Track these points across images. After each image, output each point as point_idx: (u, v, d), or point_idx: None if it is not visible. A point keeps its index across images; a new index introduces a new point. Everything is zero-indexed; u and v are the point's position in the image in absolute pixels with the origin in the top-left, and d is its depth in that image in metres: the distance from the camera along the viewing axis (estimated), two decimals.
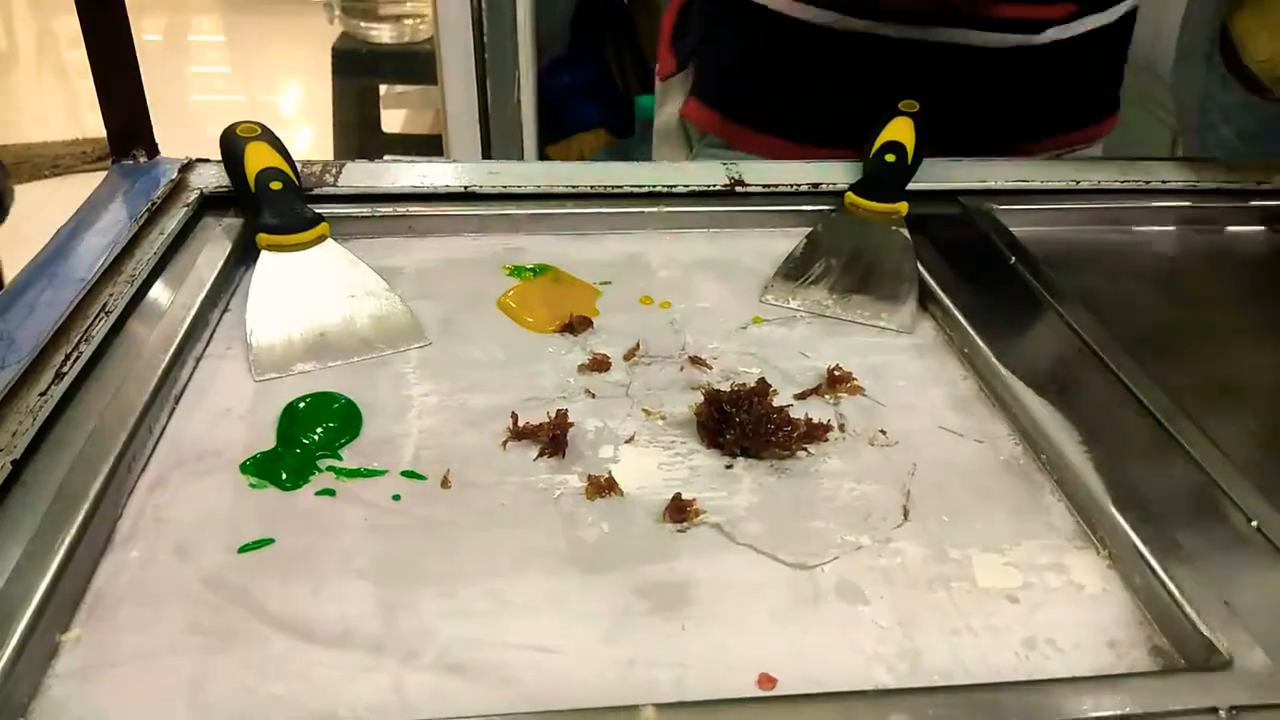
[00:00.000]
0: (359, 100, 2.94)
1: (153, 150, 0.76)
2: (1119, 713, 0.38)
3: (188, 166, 0.74)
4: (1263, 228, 0.81)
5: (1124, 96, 0.96)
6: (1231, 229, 0.81)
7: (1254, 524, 0.47)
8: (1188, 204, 0.81)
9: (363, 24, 2.81)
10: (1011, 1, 0.80)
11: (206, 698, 0.39)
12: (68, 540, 0.43)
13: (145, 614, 0.42)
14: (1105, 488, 0.49)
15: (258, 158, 0.68)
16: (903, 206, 0.72)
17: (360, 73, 2.83)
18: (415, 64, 2.77)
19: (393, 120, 3.48)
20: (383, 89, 2.99)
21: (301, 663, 0.40)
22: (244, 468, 0.50)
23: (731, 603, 0.44)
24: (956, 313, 0.64)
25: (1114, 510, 0.48)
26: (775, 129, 0.90)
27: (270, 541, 0.46)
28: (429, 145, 3.13)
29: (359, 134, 2.96)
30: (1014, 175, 0.80)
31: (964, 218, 0.76)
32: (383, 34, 2.81)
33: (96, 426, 0.50)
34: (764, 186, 0.77)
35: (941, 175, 0.79)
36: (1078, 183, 0.81)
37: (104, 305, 0.58)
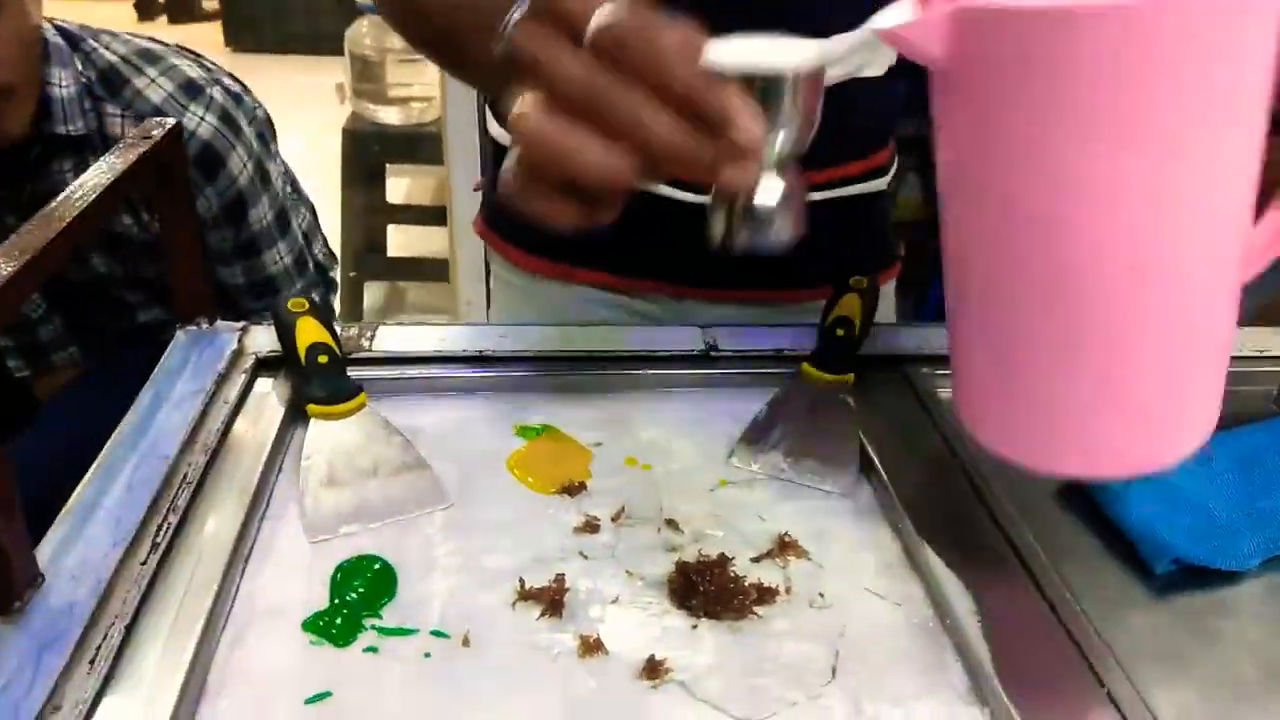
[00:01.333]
0: (367, 175, 3.09)
1: (213, 316, 0.89)
2: None
3: (244, 331, 0.87)
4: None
5: None
6: None
7: (1105, 690, 0.59)
8: None
9: (371, 105, 2.97)
10: None
11: None
12: (175, 695, 0.55)
13: None
14: (991, 651, 0.62)
15: (307, 333, 0.81)
16: (849, 377, 0.85)
17: (369, 151, 2.99)
18: (421, 145, 2.93)
19: (397, 188, 3.62)
20: (389, 167, 3.14)
21: None
22: (305, 625, 0.63)
23: None
24: (890, 478, 0.77)
25: (993, 673, 0.60)
26: (533, 249, 1.03)
27: (329, 694, 0.58)
28: (431, 215, 3.28)
29: (366, 205, 3.11)
30: (942, 341, 0.93)
31: (903, 383, 0.89)
32: (390, 116, 2.97)
33: (186, 590, 0.62)
34: (735, 351, 0.91)
35: (886, 344, 0.93)
36: None
37: (185, 476, 0.71)
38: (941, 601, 0.66)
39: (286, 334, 0.82)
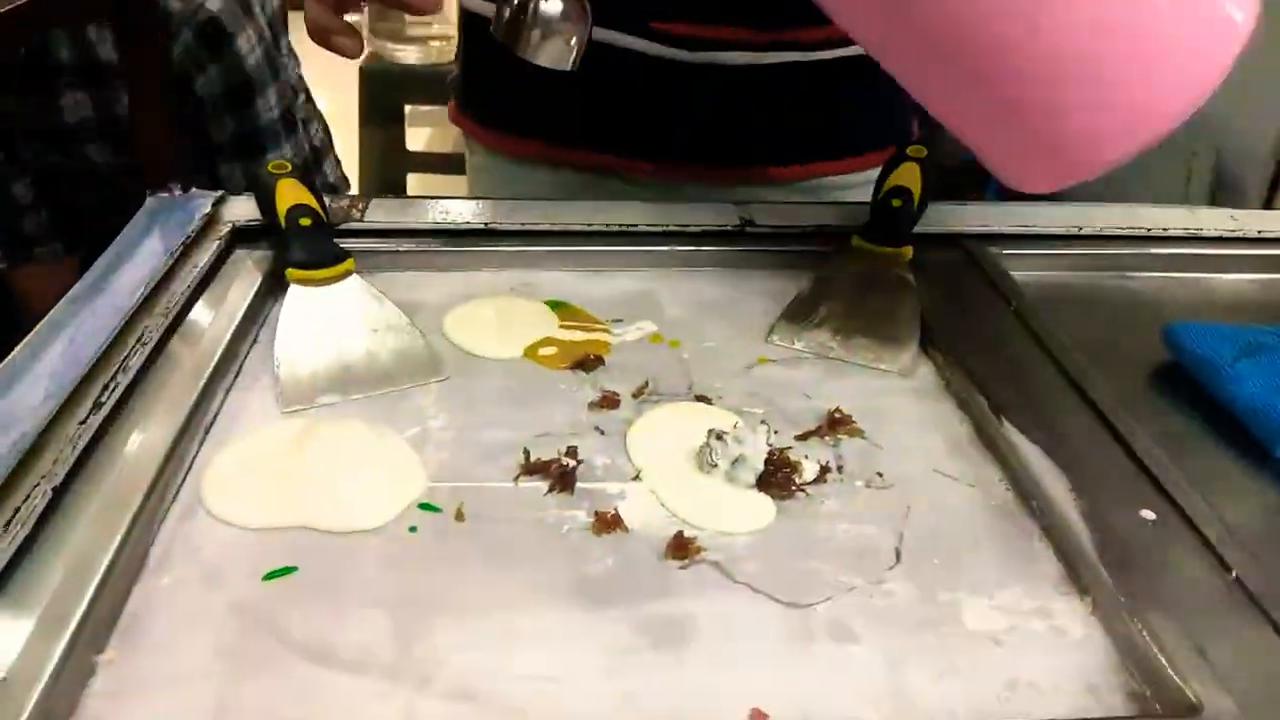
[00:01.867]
0: (384, 119, 2.99)
1: (186, 184, 0.79)
2: None
3: (220, 200, 0.78)
4: (1262, 275, 0.83)
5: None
6: (1231, 276, 0.83)
7: (1233, 575, 0.49)
8: (1190, 251, 0.83)
9: (390, 44, 2.86)
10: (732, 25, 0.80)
11: None
12: (104, 566, 0.46)
13: (175, 639, 0.45)
14: (1090, 536, 0.51)
15: (288, 195, 0.71)
16: (907, 251, 0.74)
17: (387, 91, 2.89)
18: (441, 85, 2.82)
19: (417, 138, 3.53)
20: (408, 109, 3.04)
21: (321, 688, 0.43)
22: None
23: (727, 640, 0.46)
24: (955, 357, 0.66)
25: (1098, 559, 0.50)
26: (513, 129, 0.92)
27: (294, 570, 0.49)
28: (451, 164, 3.18)
29: (384, 151, 3.02)
30: (1017, 220, 0.83)
31: (966, 262, 0.78)
32: (409, 55, 2.86)
33: (131, 456, 0.53)
34: (773, 228, 0.80)
35: (946, 219, 0.82)
36: (1080, 228, 0.83)
37: (140, 337, 0.61)
38: (1027, 483, 0.56)
39: (266, 196, 0.72)
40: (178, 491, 0.53)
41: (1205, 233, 0.84)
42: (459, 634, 0.46)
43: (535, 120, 0.89)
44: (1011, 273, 0.76)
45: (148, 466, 0.52)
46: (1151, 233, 0.84)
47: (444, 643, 0.45)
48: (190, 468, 0.55)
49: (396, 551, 0.50)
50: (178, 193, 0.78)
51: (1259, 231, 0.84)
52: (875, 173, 0.81)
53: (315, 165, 1.60)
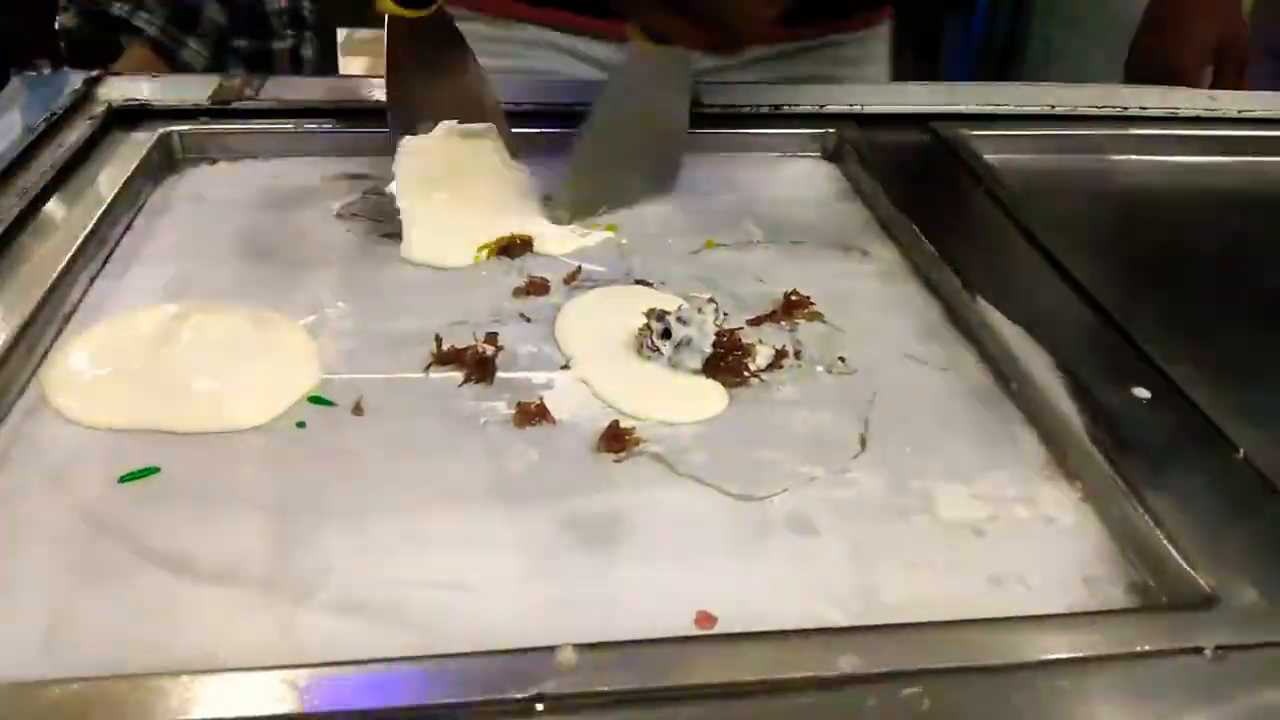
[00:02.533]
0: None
1: (58, 62, 0.70)
2: (1095, 653, 0.34)
3: (95, 80, 0.68)
4: (1245, 157, 0.77)
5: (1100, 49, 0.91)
6: (1210, 159, 0.77)
7: (1240, 453, 0.43)
8: (1167, 132, 0.77)
9: None
10: None
11: (67, 637, 0.34)
12: None
13: (5, 546, 0.37)
14: (1078, 417, 0.45)
15: None
16: None
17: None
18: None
19: (353, 68, 3.38)
20: (340, 35, 2.90)
21: (179, 600, 0.35)
22: None
23: (670, 536, 0.39)
24: (923, 238, 0.59)
25: (1088, 439, 0.44)
26: None
27: (156, 471, 0.41)
28: None
29: None
30: (987, 99, 0.76)
31: (934, 143, 0.71)
32: None
33: None
34: (722, 108, 0.72)
35: (913, 99, 0.75)
36: (1053, 107, 0.77)
37: None
38: (1006, 364, 0.49)
39: None
40: (23, 387, 0.45)
41: (1183, 112, 0.78)
42: (350, 539, 0.38)
43: None
44: (982, 155, 0.70)
45: None
46: (1128, 112, 0.77)
47: (332, 549, 0.38)
48: (43, 360, 0.47)
49: (280, 449, 0.43)
50: (47, 71, 0.69)
51: (1239, 111, 0.78)
52: (842, 42, 0.74)
53: None
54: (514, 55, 0.81)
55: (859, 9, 0.84)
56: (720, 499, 0.41)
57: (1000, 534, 0.41)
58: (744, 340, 0.49)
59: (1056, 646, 0.34)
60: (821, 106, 0.73)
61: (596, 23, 0.79)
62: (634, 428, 0.44)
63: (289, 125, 0.67)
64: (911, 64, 2.92)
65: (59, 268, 0.50)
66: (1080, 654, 0.34)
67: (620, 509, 0.40)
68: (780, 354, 0.50)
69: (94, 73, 0.69)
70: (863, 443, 0.45)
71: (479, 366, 0.47)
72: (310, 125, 0.68)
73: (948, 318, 0.54)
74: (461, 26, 0.81)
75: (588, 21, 0.79)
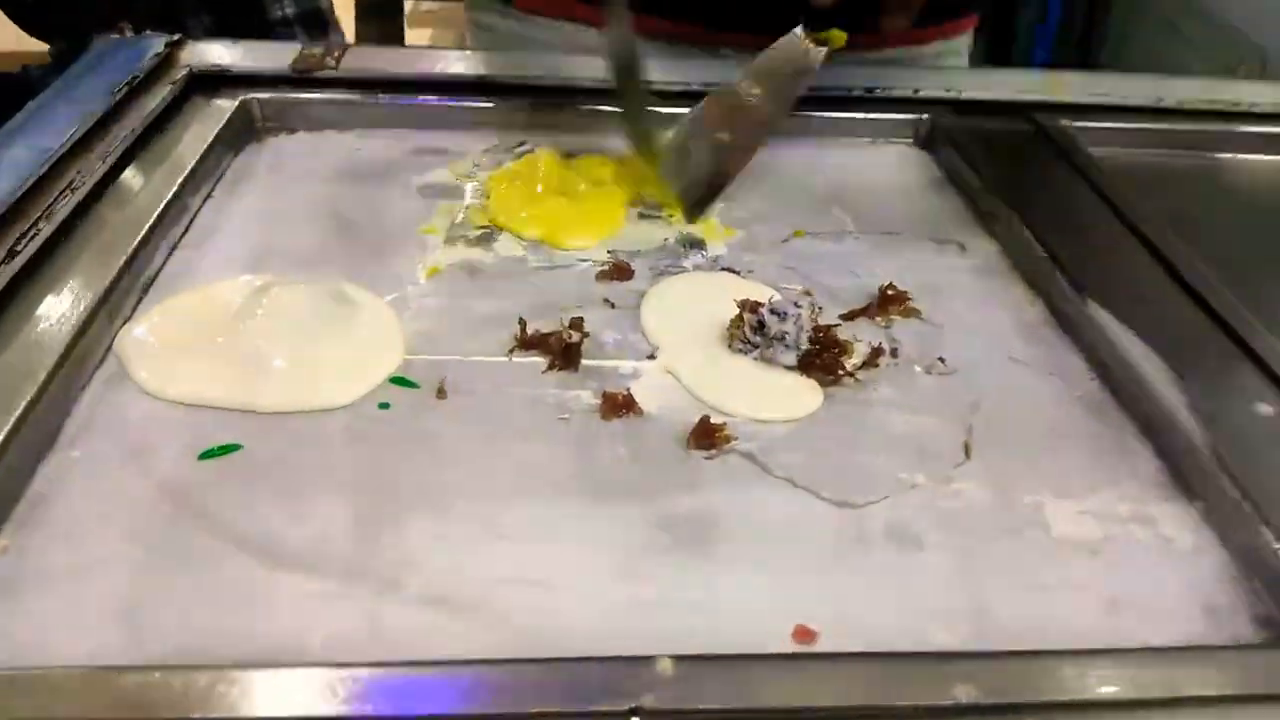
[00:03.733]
0: (381, 12, 2.84)
1: (140, 26, 0.69)
2: (1222, 692, 0.32)
3: (177, 43, 0.67)
4: None
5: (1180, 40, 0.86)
6: None
7: None
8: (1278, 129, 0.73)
9: None
10: None
11: (145, 621, 0.33)
12: (1, 436, 0.37)
13: (85, 524, 0.36)
14: (1200, 430, 0.42)
15: None
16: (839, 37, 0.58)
17: None
18: None
19: (418, 40, 3.38)
20: (408, 6, 2.89)
21: (260, 587, 0.34)
22: None
23: (764, 542, 0.38)
24: (1025, 232, 0.56)
25: (1209, 456, 0.41)
26: None
27: (238, 448, 0.40)
28: None
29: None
30: (1090, 88, 0.72)
31: (1035, 134, 0.68)
32: None
33: (47, 314, 0.44)
34: (811, 90, 0.69)
35: (1011, 85, 0.71)
36: (1160, 99, 0.73)
37: (70, 182, 0.52)
38: (1118, 371, 0.47)
39: None
40: (103, 356, 0.44)
41: None
42: (434, 528, 0.37)
43: None
44: (1085, 148, 0.66)
45: (63, 326, 0.43)
46: (1239, 108, 0.73)
47: (416, 539, 0.37)
48: (116, 333, 0.46)
49: (363, 431, 0.41)
50: (129, 33, 0.68)
51: None
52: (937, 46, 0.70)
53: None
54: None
55: (944, 15, 0.79)
56: (816, 504, 0.39)
57: (1115, 555, 0.38)
58: (840, 338, 0.47)
59: (1181, 682, 0.32)
60: (916, 91, 0.70)
61: (675, 26, 0.74)
62: (724, 424, 0.42)
63: (370, 97, 0.66)
64: (984, 56, 2.85)
65: (139, 236, 0.50)
66: (1211, 692, 0.32)
67: (712, 510, 0.39)
68: (876, 352, 0.47)
69: (175, 36, 0.68)
70: (967, 450, 0.43)
71: (564, 353, 0.46)
72: (389, 98, 0.66)
73: (1052, 318, 0.52)
74: (525, 31, 0.79)
75: (665, 25, 0.74)
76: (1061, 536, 0.39)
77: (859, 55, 0.75)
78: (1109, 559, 0.38)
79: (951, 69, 0.78)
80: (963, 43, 0.81)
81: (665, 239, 0.56)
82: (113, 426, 0.41)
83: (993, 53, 2.84)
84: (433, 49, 0.71)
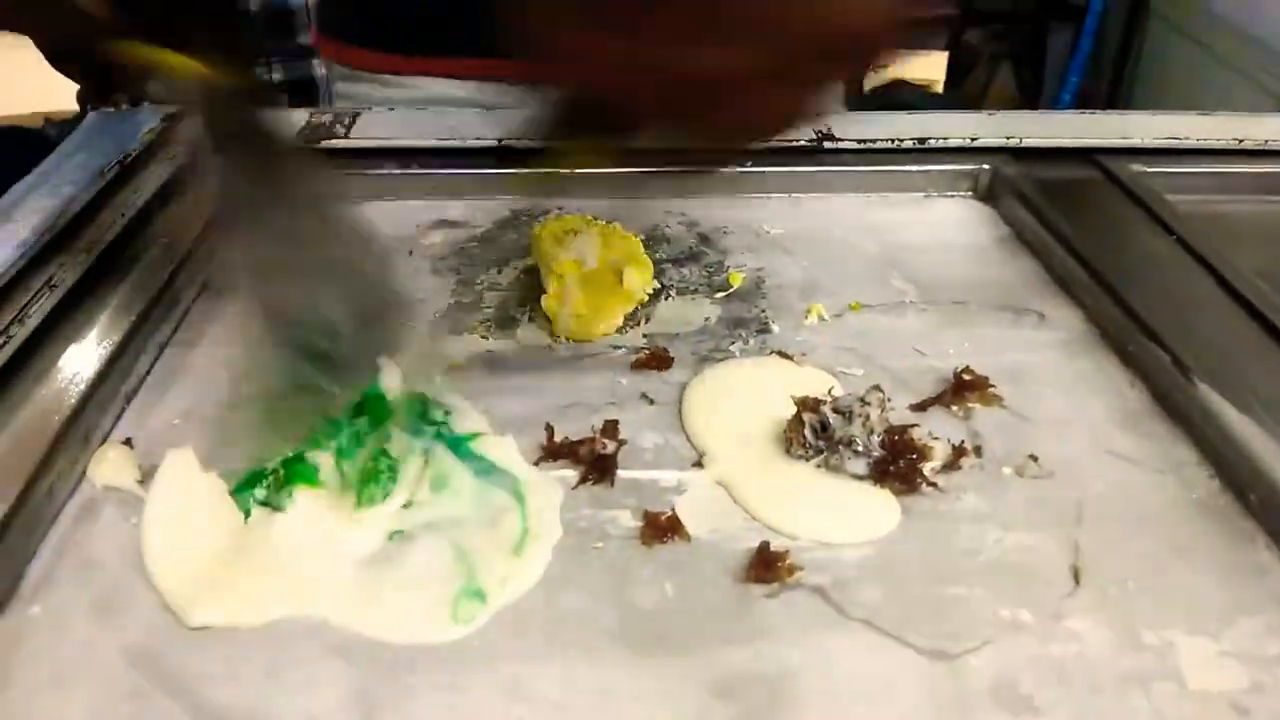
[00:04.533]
0: None
1: (138, 98, 0.65)
2: None
3: (176, 115, 0.63)
4: None
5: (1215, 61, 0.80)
6: None
7: None
8: None
9: None
10: None
11: None
12: None
13: (44, 701, 0.31)
14: None
15: None
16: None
17: None
18: None
19: None
20: None
21: None
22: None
23: (847, 707, 0.31)
24: (1113, 299, 0.50)
25: None
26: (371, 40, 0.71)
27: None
28: None
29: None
30: (1162, 130, 0.66)
31: (1105, 180, 0.62)
32: None
33: (16, 429, 0.39)
34: (858, 142, 0.64)
35: (1073, 129, 0.65)
36: (1240, 141, 0.66)
37: (50, 279, 0.47)
38: (1239, 468, 0.40)
39: None
40: (78, 483, 0.39)
41: None
42: (447, 697, 0.31)
43: (419, 27, 0.69)
44: (1164, 195, 0.60)
45: (33, 449, 0.38)
46: None
47: (426, 710, 0.31)
48: (104, 439, 0.41)
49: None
50: (125, 107, 0.64)
51: None
52: None
53: None
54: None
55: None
56: (905, 654, 0.33)
57: (1269, 711, 0.32)
58: (917, 439, 0.40)
59: None
60: (972, 139, 0.64)
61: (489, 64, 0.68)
62: (787, 551, 0.36)
63: (381, 168, 0.61)
64: (1015, 76, 2.78)
65: (120, 337, 0.45)
66: None
67: (779, 667, 0.32)
68: (959, 452, 0.41)
69: (174, 109, 0.63)
70: (1076, 576, 0.36)
71: (597, 465, 0.40)
72: (399, 170, 0.61)
73: (1156, 402, 0.45)
74: (350, 89, 0.73)
75: (479, 65, 0.68)
76: (1200, 690, 0.32)
77: None
78: (1263, 717, 0.31)
79: (1009, 112, 0.72)
80: None
81: (706, 319, 0.51)
82: (81, 573, 0.35)
83: (1022, 81, 2.78)
84: (445, 110, 0.66)
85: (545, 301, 0.49)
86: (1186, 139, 0.65)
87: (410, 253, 0.56)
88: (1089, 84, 2.63)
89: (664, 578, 0.36)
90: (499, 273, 0.54)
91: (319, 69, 1.20)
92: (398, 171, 0.61)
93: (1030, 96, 2.72)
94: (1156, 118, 0.68)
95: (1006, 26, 2.87)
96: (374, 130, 0.63)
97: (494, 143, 0.62)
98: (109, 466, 0.39)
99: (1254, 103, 1.89)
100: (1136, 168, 0.63)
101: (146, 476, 0.39)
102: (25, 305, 0.45)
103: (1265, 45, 1.91)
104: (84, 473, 0.39)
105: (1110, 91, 2.55)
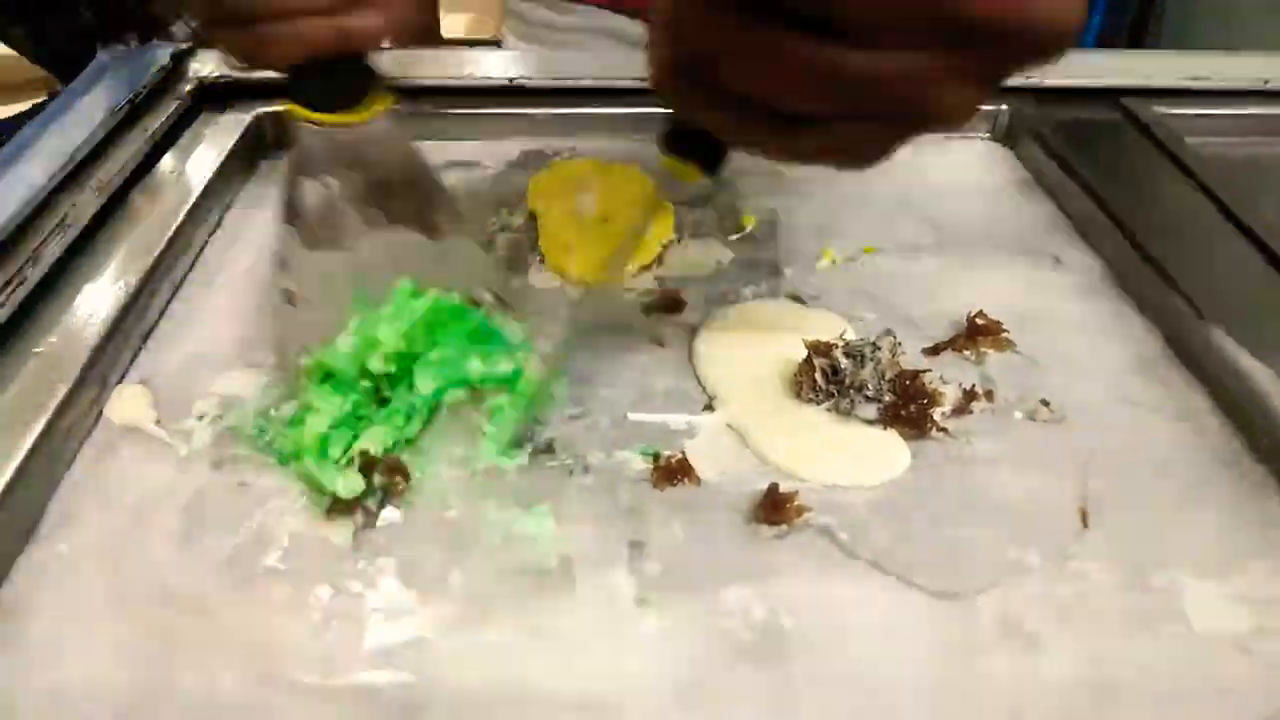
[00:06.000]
0: None
1: (148, 33, 0.64)
2: None
3: (186, 53, 0.62)
4: None
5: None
6: None
7: None
8: None
9: None
10: None
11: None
12: None
13: (71, 631, 0.32)
14: None
15: None
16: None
17: None
18: None
19: (454, 25, 3.32)
20: None
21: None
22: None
23: (854, 645, 0.32)
24: (1131, 243, 0.50)
25: None
26: None
27: None
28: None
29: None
30: (1186, 70, 0.65)
31: (1127, 123, 0.61)
32: None
33: (35, 369, 0.39)
34: None
35: (1095, 69, 0.64)
36: (1266, 81, 0.65)
37: (63, 218, 0.47)
38: (1256, 415, 0.40)
39: None
40: (92, 426, 0.39)
41: None
42: (466, 636, 0.32)
43: None
44: (1185, 139, 0.59)
45: (54, 386, 0.38)
46: None
47: (449, 642, 0.31)
48: (122, 379, 0.41)
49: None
50: (134, 44, 0.63)
51: None
52: None
53: None
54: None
55: None
56: (913, 595, 0.33)
57: (1272, 653, 0.32)
58: (928, 383, 0.40)
59: None
60: None
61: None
62: (796, 492, 0.36)
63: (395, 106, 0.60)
64: None
65: (139, 277, 0.45)
66: None
67: (787, 606, 0.33)
68: (969, 395, 0.41)
69: (183, 45, 0.63)
70: (1084, 518, 0.36)
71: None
72: (415, 108, 0.61)
73: (1171, 348, 0.45)
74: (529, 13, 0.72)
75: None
76: (1206, 631, 0.33)
77: None
78: (1264, 659, 0.32)
79: None
80: None
81: (718, 261, 0.50)
82: (102, 511, 0.36)
83: None
84: (459, 45, 0.65)
85: (544, 251, 0.49)
86: (1210, 80, 0.64)
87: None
88: (1114, 21, 2.58)
89: (673, 518, 0.36)
90: (510, 214, 0.53)
91: None
92: (406, 111, 0.61)
93: None
94: (1180, 58, 0.66)
95: None
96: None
97: (505, 82, 0.61)
98: (127, 406, 0.40)
99: None
100: (1159, 109, 0.62)
101: (163, 416, 0.39)
102: (39, 246, 0.45)
103: None
104: (101, 413, 0.40)
105: (1134, 30, 2.50)
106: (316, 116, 0.40)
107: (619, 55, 0.66)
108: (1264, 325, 0.43)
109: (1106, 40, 2.54)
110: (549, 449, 0.38)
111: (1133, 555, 0.35)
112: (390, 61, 0.61)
